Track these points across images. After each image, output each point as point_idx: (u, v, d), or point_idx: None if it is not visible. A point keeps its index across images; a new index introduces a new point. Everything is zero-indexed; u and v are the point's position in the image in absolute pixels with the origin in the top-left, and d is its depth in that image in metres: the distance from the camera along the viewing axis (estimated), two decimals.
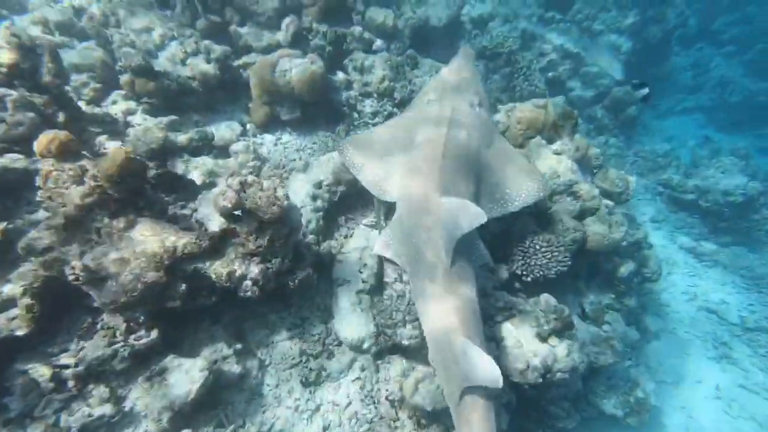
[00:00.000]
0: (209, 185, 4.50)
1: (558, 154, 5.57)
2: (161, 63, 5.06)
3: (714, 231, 8.37)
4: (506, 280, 5.03)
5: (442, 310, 3.18)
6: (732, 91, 15.84)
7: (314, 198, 5.04)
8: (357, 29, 6.25)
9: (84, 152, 3.65)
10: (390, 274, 4.83)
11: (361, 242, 4.94)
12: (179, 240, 3.30)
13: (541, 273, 4.96)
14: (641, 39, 12.34)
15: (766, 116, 14.96)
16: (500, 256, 5.18)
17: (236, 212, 3.62)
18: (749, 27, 16.97)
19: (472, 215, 3.21)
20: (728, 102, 15.74)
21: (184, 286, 3.28)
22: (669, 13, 12.86)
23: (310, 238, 4.78)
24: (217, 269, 3.44)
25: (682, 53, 16.67)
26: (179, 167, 4.37)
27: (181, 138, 4.54)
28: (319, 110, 5.98)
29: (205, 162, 4.49)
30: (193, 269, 3.41)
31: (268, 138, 5.85)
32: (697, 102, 16.31)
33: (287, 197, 3.78)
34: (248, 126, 5.84)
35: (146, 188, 3.52)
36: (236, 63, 5.93)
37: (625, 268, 5.47)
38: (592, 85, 11.05)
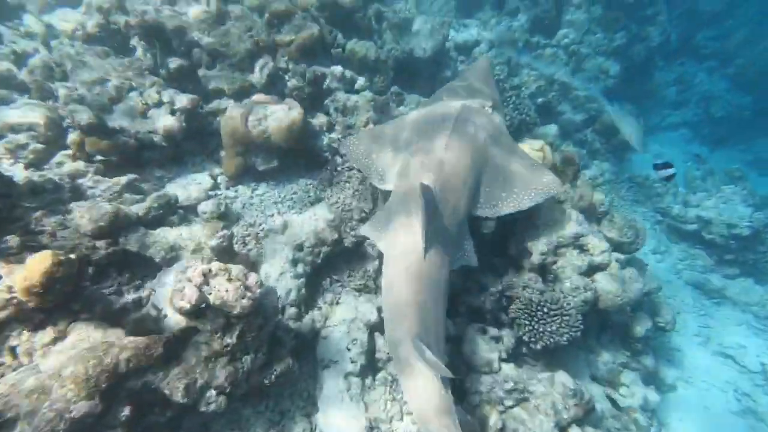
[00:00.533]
0: (171, 260, 3.89)
1: (560, 202, 5.09)
2: (118, 117, 4.47)
3: (719, 263, 7.98)
4: (513, 348, 4.50)
5: (405, 286, 3.20)
6: (716, 106, 15.75)
7: (294, 263, 4.46)
8: (338, 69, 5.76)
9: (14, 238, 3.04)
10: (382, 348, 4.26)
11: (349, 312, 4.37)
12: (123, 351, 2.69)
13: (552, 340, 4.43)
14: (627, 58, 12.17)
15: (750, 130, 14.92)
16: (505, 320, 4.66)
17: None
18: (729, 41, 17.03)
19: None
20: (713, 117, 15.65)
21: (128, 410, 2.65)
22: (652, 32, 12.75)
23: (291, 312, 4.18)
24: (172, 383, 2.82)
25: (665, 68, 16.59)
26: (134, 240, 3.75)
27: (137, 208, 3.93)
28: (299, 157, 5.45)
29: (166, 235, 3.88)
30: (141, 384, 2.78)
31: (243, 190, 5.27)
32: (683, 117, 16.20)
33: (260, 284, 3.21)
34: (220, 178, 5.27)
35: (85, 285, 2.91)
36: (206, 108, 5.38)
37: (642, 327, 4.97)
38: (582, 108, 10.77)
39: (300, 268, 4.44)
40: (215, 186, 5.18)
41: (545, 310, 4.51)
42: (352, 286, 4.65)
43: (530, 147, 5.44)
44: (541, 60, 10.67)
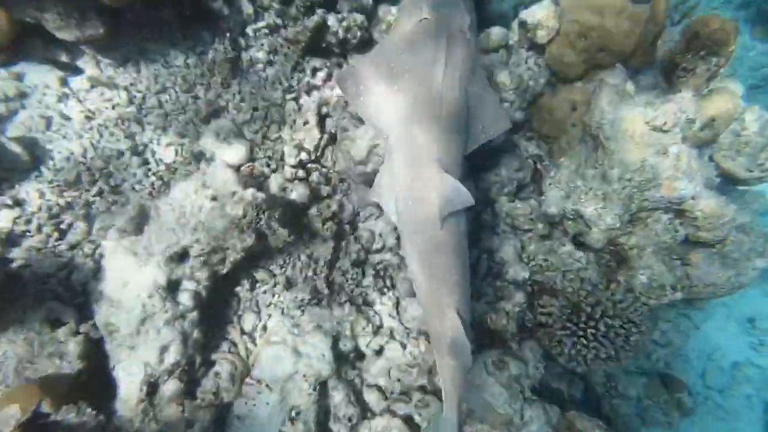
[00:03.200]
0: None
1: (659, 130, 2.79)
2: None
3: None
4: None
5: None
6: None
7: (172, 288, 2.23)
8: None
9: None
10: (342, 411, 2.57)
11: (284, 357, 2.49)
12: None
13: (604, 367, 2.95)
14: None
15: None
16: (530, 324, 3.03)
17: None
18: None
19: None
20: None
21: None
22: None
23: (168, 391, 2.19)
24: None
25: None
26: None
27: None
28: (159, 4, 2.47)
29: None
30: None
31: (36, 80, 2.44)
32: None
33: None
34: None
35: None
36: None
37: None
38: None
39: (185, 295, 2.25)
40: None
41: (601, 326, 2.87)
42: (288, 299, 2.59)
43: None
44: None
